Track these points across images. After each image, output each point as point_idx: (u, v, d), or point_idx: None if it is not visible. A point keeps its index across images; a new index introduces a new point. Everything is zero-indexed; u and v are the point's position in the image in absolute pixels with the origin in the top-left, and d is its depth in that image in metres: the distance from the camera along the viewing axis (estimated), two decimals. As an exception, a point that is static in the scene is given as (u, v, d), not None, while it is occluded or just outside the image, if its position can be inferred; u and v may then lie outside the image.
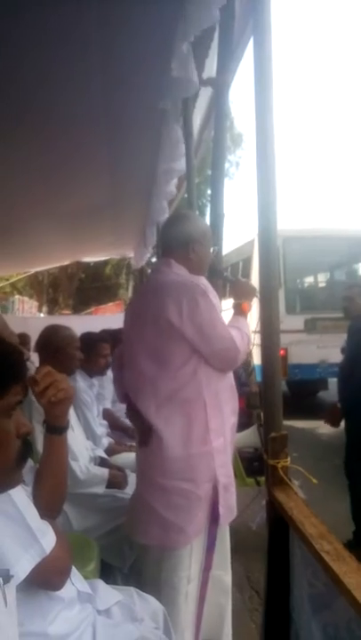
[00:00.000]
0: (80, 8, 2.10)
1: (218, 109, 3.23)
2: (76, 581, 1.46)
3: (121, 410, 4.30)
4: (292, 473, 1.89)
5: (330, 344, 7.46)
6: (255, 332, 2.05)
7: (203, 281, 2.10)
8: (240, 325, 2.17)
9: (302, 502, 1.73)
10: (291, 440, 1.89)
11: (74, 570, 1.43)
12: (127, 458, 3.36)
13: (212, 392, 2.07)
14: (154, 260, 9.67)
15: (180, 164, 3.59)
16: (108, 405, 4.43)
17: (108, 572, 2.52)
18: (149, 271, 6.66)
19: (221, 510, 2.08)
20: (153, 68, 2.64)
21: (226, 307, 2.49)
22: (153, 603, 1.73)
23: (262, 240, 1.91)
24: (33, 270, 13.42)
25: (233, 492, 2.19)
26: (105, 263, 23.07)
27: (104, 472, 2.84)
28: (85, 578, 1.57)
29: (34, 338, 3.07)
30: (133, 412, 2.18)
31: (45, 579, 1.25)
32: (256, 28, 1.87)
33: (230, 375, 2.23)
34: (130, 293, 20.39)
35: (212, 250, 2.37)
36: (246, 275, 8.40)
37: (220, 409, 2.09)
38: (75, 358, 2.96)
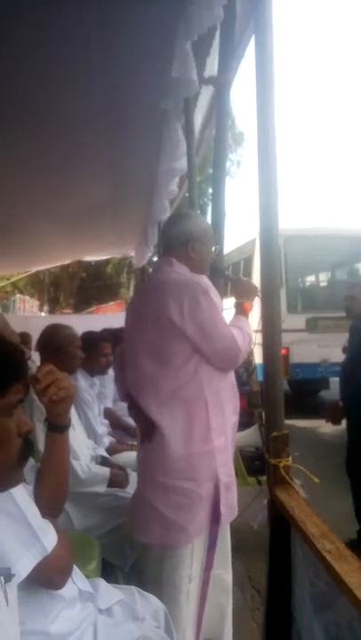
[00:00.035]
0: (80, 8, 2.10)
1: (219, 108, 3.22)
2: (78, 580, 1.46)
3: (122, 409, 4.30)
4: (294, 472, 1.89)
5: (331, 343, 7.46)
6: (257, 331, 2.05)
7: (204, 280, 2.09)
8: (241, 325, 2.17)
9: (304, 501, 1.73)
10: (292, 439, 1.89)
11: (75, 569, 1.43)
12: (128, 457, 3.36)
13: (213, 391, 2.06)
14: (155, 259, 9.67)
15: (182, 164, 3.59)
16: (110, 404, 4.43)
17: (109, 571, 2.52)
18: (151, 270, 6.66)
19: (223, 509, 2.08)
20: (153, 68, 2.64)
21: (227, 306, 2.49)
22: (154, 602, 1.73)
23: (264, 239, 1.90)
24: (34, 269, 13.42)
25: (234, 492, 2.19)
26: (106, 262, 23.09)
27: (105, 471, 2.84)
28: (87, 577, 1.57)
29: (35, 337, 3.07)
30: (136, 409, 2.18)
31: (47, 577, 1.25)
32: (257, 26, 1.87)
33: (232, 374, 2.23)
34: (131, 292, 20.40)
35: (213, 249, 2.36)
36: (248, 274, 8.39)
37: (222, 408, 2.09)
38: (76, 357, 2.96)
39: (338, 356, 5.64)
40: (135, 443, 3.42)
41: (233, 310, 2.30)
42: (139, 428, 2.23)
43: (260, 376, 3.06)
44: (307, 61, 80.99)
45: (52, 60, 2.45)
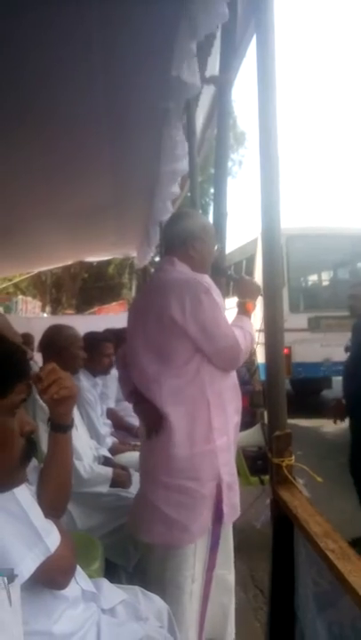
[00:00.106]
0: (81, 8, 2.10)
1: (221, 108, 3.22)
2: (81, 580, 1.46)
3: (125, 409, 4.30)
4: (297, 471, 1.88)
5: (334, 342, 7.46)
6: (259, 330, 2.04)
7: (206, 279, 2.09)
8: (243, 324, 2.17)
9: (307, 501, 1.73)
10: (295, 438, 1.88)
11: (78, 569, 1.43)
12: (131, 457, 3.36)
13: (215, 391, 2.06)
14: (157, 259, 9.68)
15: (183, 164, 3.59)
16: (112, 405, 4.43)
17: (112, 571, 2.52)
18: (153, 270, 6.66)
19: (225, 509, 2.08)
20: (155, 68, 2.64)
21: (230, 305, 2.49)
22: (157, 602, 1.73)
23: (266, 238, 1.90)
24: (36, 270, 13.43)
25: (237, 491, 2.19)
26: (108, 263, 23.09)
27: (108, 471, 2.84)
28: (90, 577, 1.57)
29: (37, 338, 3.07)
30: (142, 404, 2.17)
31: (50, 577, 1.25)
32: (259, 25, 1.86)
33: (233, 374, 2.23)
34: (133, 293, 20.41)
35: (215, 248, 2.36)
36: (250, 273, 8.38)
37: (224, 408, 2.09)
38: (78, 358, 2.96)
39: (340, 355, 5.63)
40: (138, 443, 3.43)
41: (236, 310, 2.30)
42: (143, 425, 2.23)
43: (262, 375, 3.06)
44: (308, 61, 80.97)
45: (53, 60, 2.45)
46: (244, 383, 4.00)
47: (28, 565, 1.13)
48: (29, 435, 1.19)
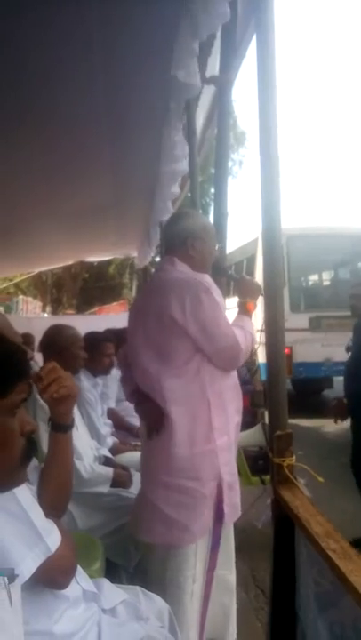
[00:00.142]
0: (81, 9, 2.10)
1: (221, 108, 3.22)
2: (82, 580, 1.46)
3: (125, 409, 4.31)
4: (298, 471, 1.88)
5: (334, 342, 7.46)
6: (260, 330, 2.04)
7: (206, 278, 2.09)
8: (244, 324, 2.17)
9: (308, 501, 1.73)
10: (296, 438, 1.88)
11: (79, 569, 1.43)
12: (132, 457, 3.36)
13: (215, 391, 2.06)
14: (158, 259, 9.69)
15: (183, 165, 3.59)
16: (113, 405, 4.44)
17: (113, 571, 2.52)
18: (153, 270, 6.66)
19: (226, 509, 2.08)
20: (155, 69, 2.64)
21: (230, 305, 2.48)
22: (158, 602, 1.73)
23: (266, 238, 1.90)
24: (36, 270, 13.43)
25: (237, 491, 2.18)
26: (108, 263, 23.09)
27: (109, 471, 2.84)
28: (90, 577, 1.57)
29: (38, 338, 3.08)
30: (143, 403, 2.17)
31: (50, 577, 1.25)
32: (259, 25, 1.86)
33: (234, 374, 2.23)
34: (134, 293, 20.41)
35: (216, 247, 2.35)
36: (250, 273, 8.37)
37: (224, 408, 2.09)
38: (79, 358, 2.96)
39: (341, 355, 5.63)
40: (138, 443, 3.43)
41: (236, 310, 2.30)
42: (144, 425, 2.23)
43: (263, 375, 3.06)
44: (308, 60, 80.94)
45: (53, 60, 2.45)
46: (244, 383, 4.01)
47: (28, 565, 1.13)
48: (30, 434, 1.19)
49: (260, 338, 2.16)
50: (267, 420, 2.02)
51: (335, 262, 9.21)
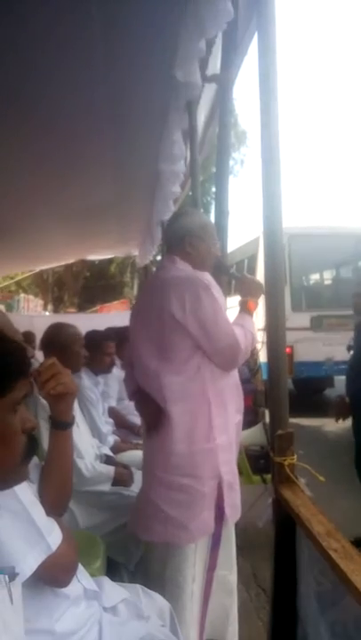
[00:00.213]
0: (84, 8, 2.09)
1: (222, 106, 3.22)
2: (82, 579, 1.46)
3: (126, 408, 4.31)
4: (299, 471, 1.88)
5: (336, 342, 7.46)
6: (261, 329, 2.04)
7: (206, 276, 2.09)
8: (244, 323, 2.16)
9: (309, 500, 1.73)
10: (297, 438, 1.88)
11: (80, 567, 1.42)
12: (133, 456, 3.36)
13: (216, 389, 2.06)
14: (159, 258, 9.68)
15: (181, 165, 3.59)
16: (114, 403, 4.43)
17: (114, 570, 2.52)
18: (154, 269, 6.65)
19: (227, 509, 2.08)
20: (158, 68, 2.64)
21: (232, 304, 2.48)
22: (159, 600, 1.72)
23: (267, 238, 1.89)
24: (38, 269, 13.43)
25: (238, 491, 2.18)
26: (110, 261, 23.09)
27: (110, 470, 2.84)
28: (91, 575, 1.57)
29: (39, 336, 3.07)
30: (143, 402, 2.17)
31: (51, 576, 1.25)
32: (260, 23, 1.86)
33: (235, 373, 2.22)
34: (135, 292, 20.41)
35: (217, 246, 2.35)
36: (251, 272, 8.31)
37: (225, 407, 2.09)
38: (80, 356, 2.96)
39: (343, 354, 5.63)
40: (139, 441, 3.43)
41: (238, 309, 2.29)
42: (145, 421, 2.23)
43: (265, 375, 3.06)
44: (310, 59, 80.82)
45: (56, 59, 2.45)
46: (244, 382, 4.01)
47: (29, 563, 1.13)
48: (30, 432, 1.19)
49: (262, 337, 2.16)
50: (268, 420, 2.02)
51: (337, 262, 9.19)
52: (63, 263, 12.71)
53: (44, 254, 8.73)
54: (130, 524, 2.28)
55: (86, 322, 5.75)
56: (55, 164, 3.83)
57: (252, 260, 8.76)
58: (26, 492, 1.22)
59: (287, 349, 2.03)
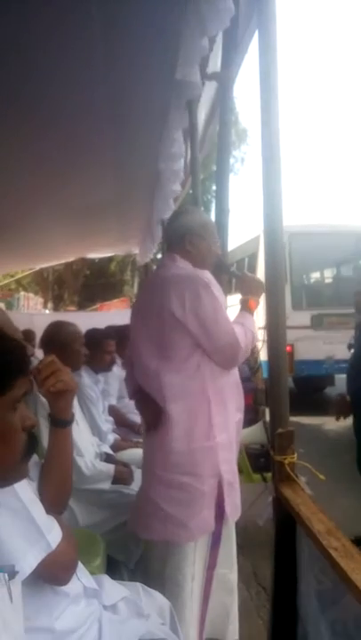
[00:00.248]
0: (85, 6, 2.09)
1: (222, 104, 3.21)
2: (82, 577, 1.46)
3: (126, 406, 4.31)
4: (299, 469, 1.88)
5: (336, 340, 7.46)
6: (262, 328, 2.03)
7: (206, 274, 2.09)
8: (245, 322, 2.16)
9: (309, 498, 1.73)
10: (297, 436, 1.88)
11: (80, 565, 1.42)
12: (133, 454, 3.36)
13: (216, 388, 2.06)
14: (159, 256, 9.68)
15: (180, 163, 3.58)
16: (114, 402, 4.44)
17: (114, 568, 2.52)
18: (155, 267, 6.65)
19: (227, 508, 2.08)
20: (158, 67, 2.64)
21: (232, 303, 2.48)
22: (159, 598, 1.72)
23: (268, 236, 1.89)
24: (38, 267, 13.42)
25: (238, 490, 2.18)
26: (110, 260, 23.09)
27: (110, 468, 2.84)
28: (91, 573, 1.57)
29: (39, 334, 3.07)
30: (143, 398, 2.17)
31: (51, 574, 1.25)
32: (261, 21, 1.85)
33: (235, 372, 2.22)
34: (135, 290, 20.42)
35: (217, 244, 2.35)
36: (252, 271, 8.34)
37: (225, 405, 2.09)
38: (80, 354, 2.95)
39: (343, 352, 5.63)
40: (139, 440, 3.42)
41: (238, 307, 2.29)
42: (144, 421, 2.22)
43: (265, 373, 3.06)
44: (311, 56, 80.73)
45: (56, 57, 2.45)
46: (244, 380, 4.01)
47: (29, 562, 1.13)
48: (30, 429, 1.19)
49: (263, 336, 2.16)
50: (268, 418, 2.01)
51: (337, 260, 9.19)
52: (63, 261, 12.70)
53: (45, 252, 8.73)
54: (130, 523, 2.29)
55: (86, 320, 5.75)
56: (55, 162, 3.83)
57: (253, 258, 8.76)
58: (26, 490, 1.22)
59: (288, 348, 2.03)
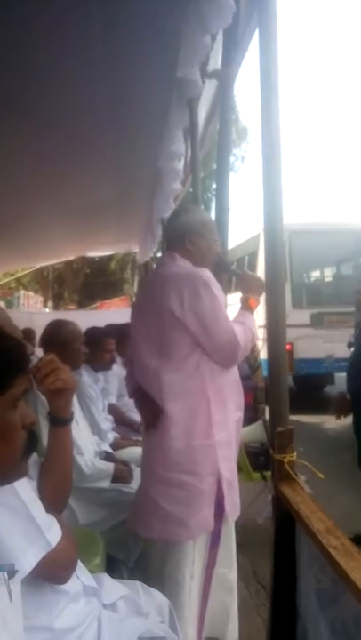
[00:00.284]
0: (85, 5, 2.09)
1: (223, 102, 3.21)
2: (82, 575, 1.46)
3: (126, 404, 4.31)
4: (299, 468, 1.88)
5: (336, 339, 7.46)
6: (262, 326, 2.03)
7: (206, 272, 2.09)
8: (245, 320, 2.15)
9: (309, 497, 1.73)
10: (297, 435, 1.88)
11: (79, 564, 1.42)
12: (133, 452, 3.36)
13: (215, 386, 2.06)
14: (159, 255, 9.67)
15: (181, 162, 3.58)
16: (114, 400, 4.44)
17: (113, 566, 2.52)
18: (155, 266, 6.65)
19: (227, 507, 2.08)
20: (158, 68, 2.64)
21: (233, 301, 2.47)
22: (158, 597, 1.72)
23: (268, 234, 1.89)
24: (38, 265, 13.42)
25: (237, 489, 2.18)
26: (110, 258, 23.08)
27: (109, 466, 2.84)
28: (91, 572, 1.57)
29: (39, 333, 3.07)
30: (143, 397, 2.17)
31: (51, 572, 1.25)
32: (261, 19, 1.85)
33: (235, 370, 2.21)
34: (135, 288, 20.41)
35: (217, 243, 2.34)
36: (252, 269, 8.35)
37: (224, 404, 2.08)
38: (80, 353, 2.95)
39: (343, 351, 5.63)
40: (139, 438, 3.42)
41: (239, 306, 2.28)
42: (144, 420, 2.22)
43: (265, 372, 3.06)
44: (312, 54, 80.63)
45: (56, 56, 2.44)
46: (244, 379, 4.00)
47: (29, 560, 1.13)
48: (30, 426, 1.19)
49: (263, 334, 2.15)
50: (268, 417, 2.01)
51: (337, 258, 9.19)
52: (63, 260, 12.68)
53: (45, 251, 8.72)
54: (129, 521, 2.29)
55: (86, 319, 5.75)
56: (56, 162, 3.82)
57: (253, 256, 8.75)
58: (25, 489, 1.22)
59: (287, 346, 2.03)
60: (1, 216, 5.30)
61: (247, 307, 2.24)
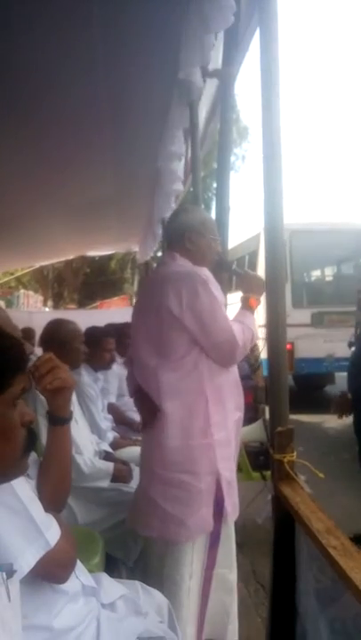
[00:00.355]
0: (86, 6, 2.08)
1: (223, 102, 3.21)
2: (81, 575, 1.46)
3: (126, 404, 4.31)
4: (299, 467, 1.88)
5: (337, 338, 7.45)
6: (262, 326, 2.03)
7: (204, 271, 2.08)
8: (244, 320, 2.14)
9: (308, 497, 1.72)
10: (297, 434, 1.88)
11: (78, 563, 1.42)
12: (132, 452, 3.36)
13: (214, 386, 2.05)
14: (160, 254, 9.67)
15: (181, 163, 3.58)
16: (113, 400, 4.44)
17: (112, 566, 2.52)
18: (155, 265, 6.65)
19: (227, 507, 2.07)
20: (159, 68, 2.64)
21: (233, 301, 2.47)
22: (158, 596, 1.72)
23: (269, 234, 1.89)
24: (38, 265, 13.43)
25: (236, 489, 2.17)
26: (110, 257, 23.07)
27: (109, 466, 2.84)
28: (90, 571, 1.56)
29: (39, 332, 3.07)
30: (141, 396, 2.17)
31: (50, 572, 1.25)
32: (262, 18, 1.85)
33: (235, 370, 2.21)
34: (135, 288, 20.41)
35: (218, 242, 2.34)
36: (252, 269, 8.36)
37: (223, 403, 2.08)
38: (79, 352, 2.95)
39: (343, 350, 5.62)
40: (139, 438, 3.42)
41: (239, 305, 2.28)
42: (141, 419, 2.22)
43: (265, 371, 3.06)
44: (313, 53, 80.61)
45: (57, 57, 2.44)
46: (244, 378, 4.00)
47: (27, 560, 1.13)
48: (29, 424, 1.19)
49: (263, 334, 2.15)
50: (268, 416, 2.01)
51: (338, 258, 9.18)
52: (63, 259, 12.69)
53: (45, 250, 8.73)
54: (129, 520, 2.28)
55: (86, 318, 5.76)
56: (56, 161, 3.82)
57: (253, 256, 8.75)
58: (24, 488, 1.22)
59: (288, 346, 2.02)
60: (1, 215, 5.30)
61: (248, 306, 2.24)
